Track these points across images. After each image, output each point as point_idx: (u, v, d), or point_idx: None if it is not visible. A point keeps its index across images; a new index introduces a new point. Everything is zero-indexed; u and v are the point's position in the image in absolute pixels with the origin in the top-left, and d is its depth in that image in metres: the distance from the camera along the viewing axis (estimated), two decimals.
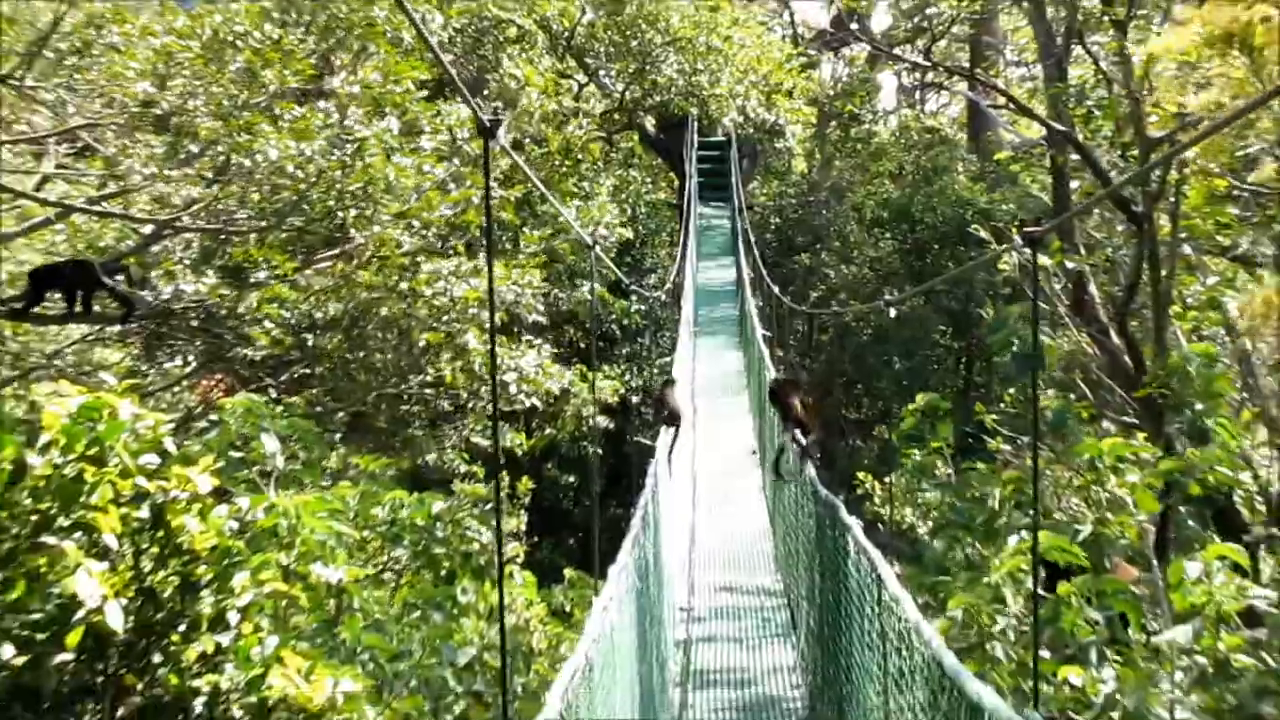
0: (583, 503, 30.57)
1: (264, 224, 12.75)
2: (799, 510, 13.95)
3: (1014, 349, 13.53)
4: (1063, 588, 7.60)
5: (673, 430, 17.35)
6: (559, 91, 24.16)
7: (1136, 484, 7.99)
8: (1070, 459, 8.49)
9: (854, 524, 9.39)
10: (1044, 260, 17.54)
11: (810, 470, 12.95)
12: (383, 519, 9.16)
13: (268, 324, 13.31)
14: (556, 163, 22.35)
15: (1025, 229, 5.32)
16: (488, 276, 5.30)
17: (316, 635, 7.51)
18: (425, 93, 15.72)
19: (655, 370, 32.30)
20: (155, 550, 6.21)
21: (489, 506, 10.74)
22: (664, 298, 30.91)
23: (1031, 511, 6.75)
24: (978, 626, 7.70)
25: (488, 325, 15.60)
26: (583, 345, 27.85)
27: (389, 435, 18.56)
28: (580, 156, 23.99)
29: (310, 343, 16.14)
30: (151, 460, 6.18)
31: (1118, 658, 7.43)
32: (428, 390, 17.67)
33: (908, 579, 9.00)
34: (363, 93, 13.31)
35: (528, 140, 21.27)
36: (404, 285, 15.68)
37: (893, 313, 12.19)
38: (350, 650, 7.69)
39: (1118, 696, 6.66)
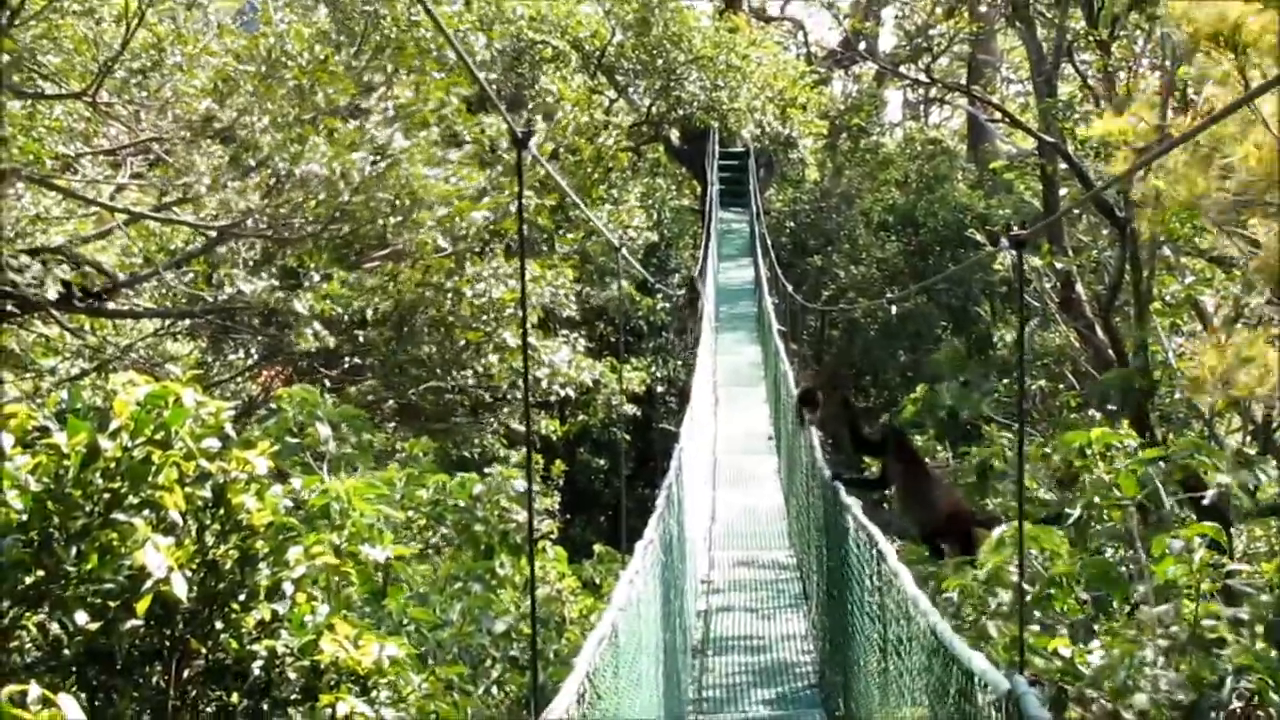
0: (612, 484, 30.51)
1: (317, 229, 12.75)
2: (809, 491, 13.92)
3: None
4: (1056, 567, 7.55)
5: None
6: (591, 106, 24.13)
7: (1121, 470, 7.93)
8: (1062, 448, 8.41)
9: (853, 503, 9.35)
10: (1035, 261, 17.48)
11: (817, 452, 12.91)
12: (427, 500, 9.15)
13: (316, 326, 13.29)
14: (588, 170, 22.30)
15: (1011, 232, 5.27)
16: (520, 278, 5.30)
17: (365, 606, 7.52)
18: (466, 106, 15.71)
19: (680, 363, 32.31)
20: (217, 526, 6.21)
21: (525, 488, 10.75)
22: (682, 295, 30.78)
23: (1016, 489, 6.70)
24: (972, 608, 7.65)
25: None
26: (612, 339, 27.85)
27: (434, 421, 18.59)
28: (610, 165, 23.95)
29: (361, 338, 16.16)
30: (213, 444, 6.17)
31: (1106, 636, 7.36)
32: (469, 383, 17.69)
33: (908, 555, 8.95)
34: (397, 110, 13.29)
35: (562, 150, 21.25)
36: (448, 284, 15.69)
37: (895, 310, 12.13)
38: (396, 621, 7.70)
39: (1105, 670, 6.58)
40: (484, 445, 20.06)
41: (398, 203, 13.00)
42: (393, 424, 18.15)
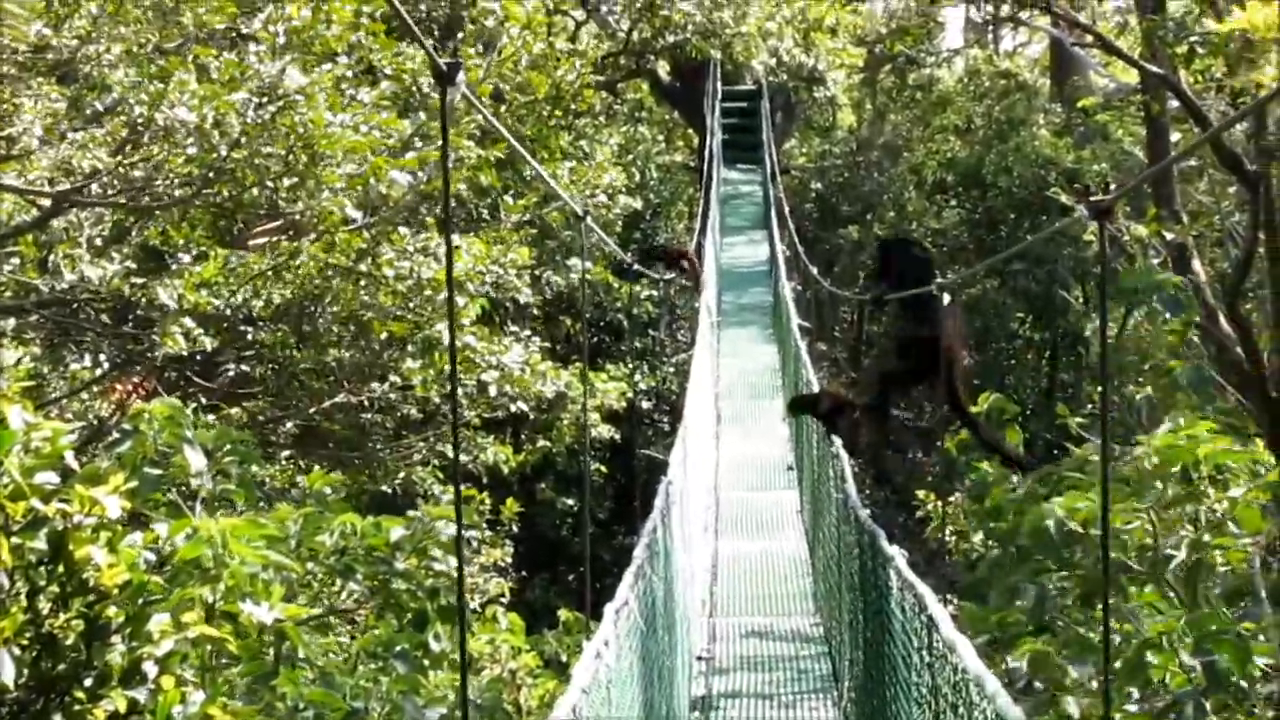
0: (585, 529, 30.62)
1: (186, 195, 12.80)
2: (839, 539, 14.00)
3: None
4: (1153, 627, 7.63)
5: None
6: (550, 30, 24.18)
7: (1240, 499, 8.00)
8: (1164, 466, 8.46)
9: (897, 555, 9.40)
10: (1138, 230, 17.58)
11: (850, 486, 12.99)
12: (331, 548, 9.17)
13: (187, 323, 13.33)
14: (544, 114, 22.37)
15: (1093, 196, 5.34)
16: (447, 256, 5.37)
17: (251, 690, 7.56)
18: (385, 29, 15.74)
19: (671, 370, 32.40)
20: (54, 588, 6.25)
21: (466, 531, 10.79)
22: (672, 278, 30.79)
23: (1101, 530, 6.78)
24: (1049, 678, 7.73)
25: (461, 313, 15.68)
26: (581, 338, 27.91)
27: (345, 448, 18.62)
28: (575, 106, 23.99)
29: (249, 338, 16.20)
30: (50, 479, 6.21)
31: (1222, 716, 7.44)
32: (392, 395, 17.73)
33: (966, 618, 9.03)
34: (290, 35, 13.34)
35: (509, 89, 21.30)
36: (362, 266, 15.75)
37: (946, 297, 12.10)
38: (292, 708, 7.74)
39: None
40: (410, 479, 20.09)
41: (292, 159, 13.04)
42: (290, 452, 18.19)
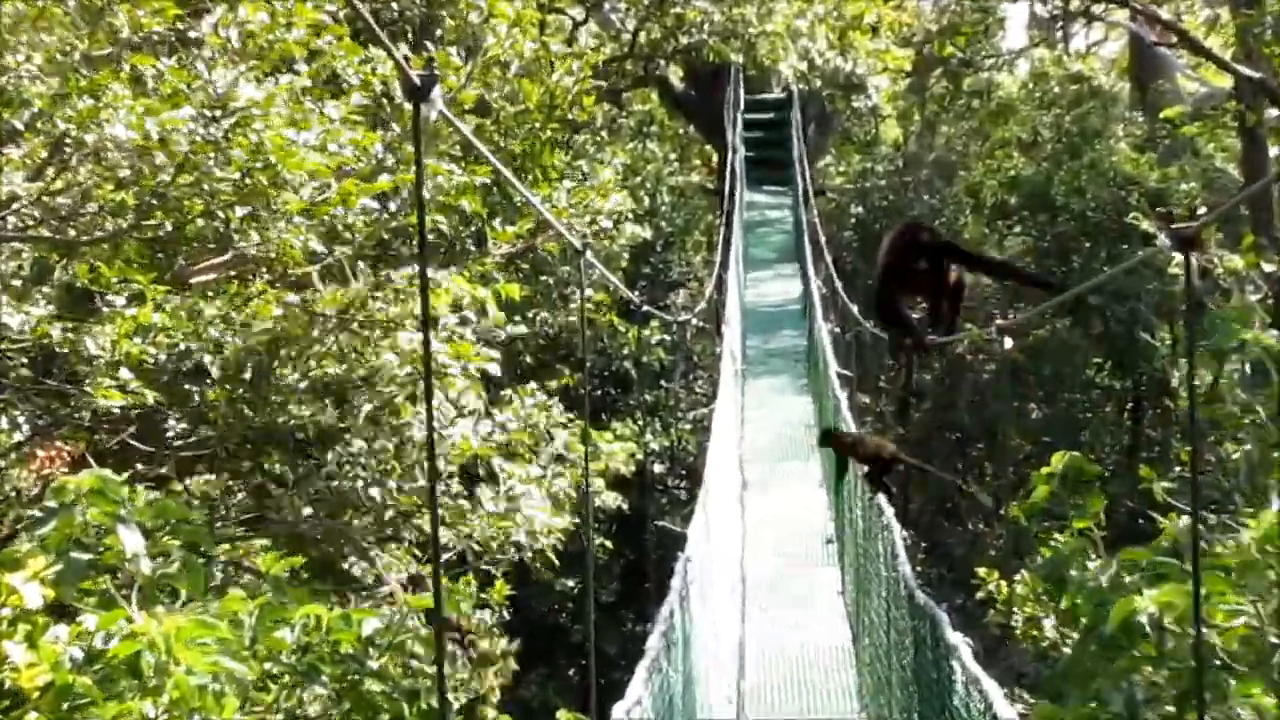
0: (588, 616, 30.54)
1: (120, 227, 12.79)
2: (889, 624, 13.94)
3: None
4: None
5: None
6: (543, 30, 24.19)
7: None
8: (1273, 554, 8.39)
9: (961, 644, 9.36)
10: (1233, 261, 17.53)
11: (903, 561, 12.95)
12: (293, 645, 9.11)
13: (124, 375, 13.29)
14: (536, 126, 22.34)
15: (1174, 224, 5.30)
16: (421, 293, 5.32)
17: None
18: (352, 32, 15.74)
19: (688, 427, 32.36)
20: None
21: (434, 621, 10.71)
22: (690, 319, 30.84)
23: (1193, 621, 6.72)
24: None
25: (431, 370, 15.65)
26: (581, 392, 27.84)
27: (309, 523, 18.55)
28: (572, 117, 23.95)
29: (195, 397, 16.16)
30: None
31: None
32: (364, 462, 17.68)
33: (1039, 718, 8.95)
34: (245, 40, 13.35)
35: (496, 99, 21.29)
36: (324, 309, 15.72)
37: (1009, 342, 12.03)
38: None
39: None
40: (386, 560, 20.03)
41: (247, 183, 13.03)
42: (244, 529, 18.13)
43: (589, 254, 11.58)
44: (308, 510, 17.29)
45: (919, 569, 12.81)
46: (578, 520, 23.75)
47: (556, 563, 18.77)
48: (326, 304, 15.12)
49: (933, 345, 13.31)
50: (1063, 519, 12.90)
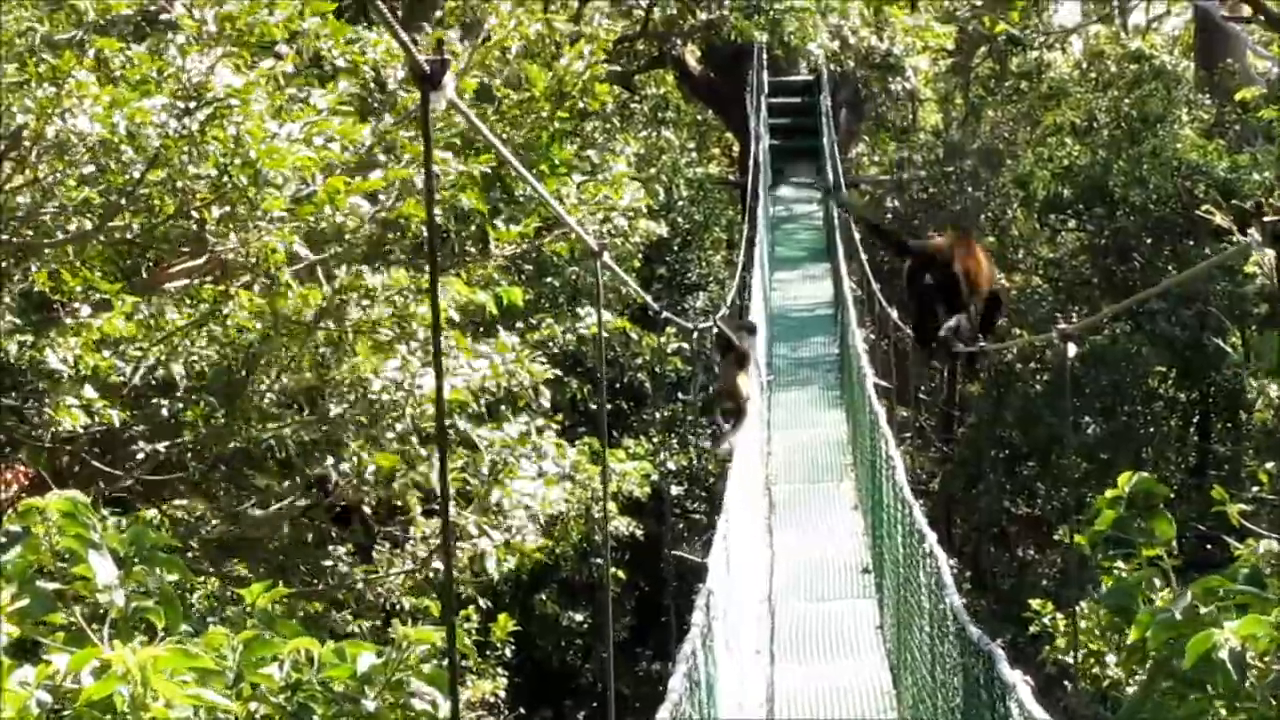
0: (598, 652, 30.55)
1: (84, 229, 12.84)
2: (936, 663, 13.96)
3: None
4: None
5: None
6: (549, 9, 24.24)
7: None
8: None
9: (1019, 683, 9.39)
10: None
11: (953, 596, 12.97)
12: (281, 682, 9.15)
13: (88, 392, 13.35)
14: (543, 116, 22.35)
15: (1266, 216, 5.33)
16: (431, 295, 5.34)
17: None
18: (338, 12, 15.78)
19: (709, 446, 32.36)
20: None
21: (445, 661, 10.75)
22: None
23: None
24: None
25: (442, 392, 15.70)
26: (594, 406, 27.85)
27: (294, 552, 18.58)
28: (584, 104, 23.98)
29: (165, 412, 16.21)
30: None
31: None
32: (354, 484, 17.71)
33: None
34: (221, 22, 13.39)
35: (498, 82, 21.31)
36: (308, 315, 15.76)
37: (1071, 349, 11.97)
38: None
39: None
40: (380, 590, 20.06)
41: (225, 180, 13.08)
42: (228, 557, 18.19)
43: (606, 255, 11.61)
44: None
45: (964, 600, 12.81)
46: (572, 541, 23.80)
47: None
48: (300, 305, 15.14)
49: (979, 352, 13.42)
50: (1126, 545, 12.93)
